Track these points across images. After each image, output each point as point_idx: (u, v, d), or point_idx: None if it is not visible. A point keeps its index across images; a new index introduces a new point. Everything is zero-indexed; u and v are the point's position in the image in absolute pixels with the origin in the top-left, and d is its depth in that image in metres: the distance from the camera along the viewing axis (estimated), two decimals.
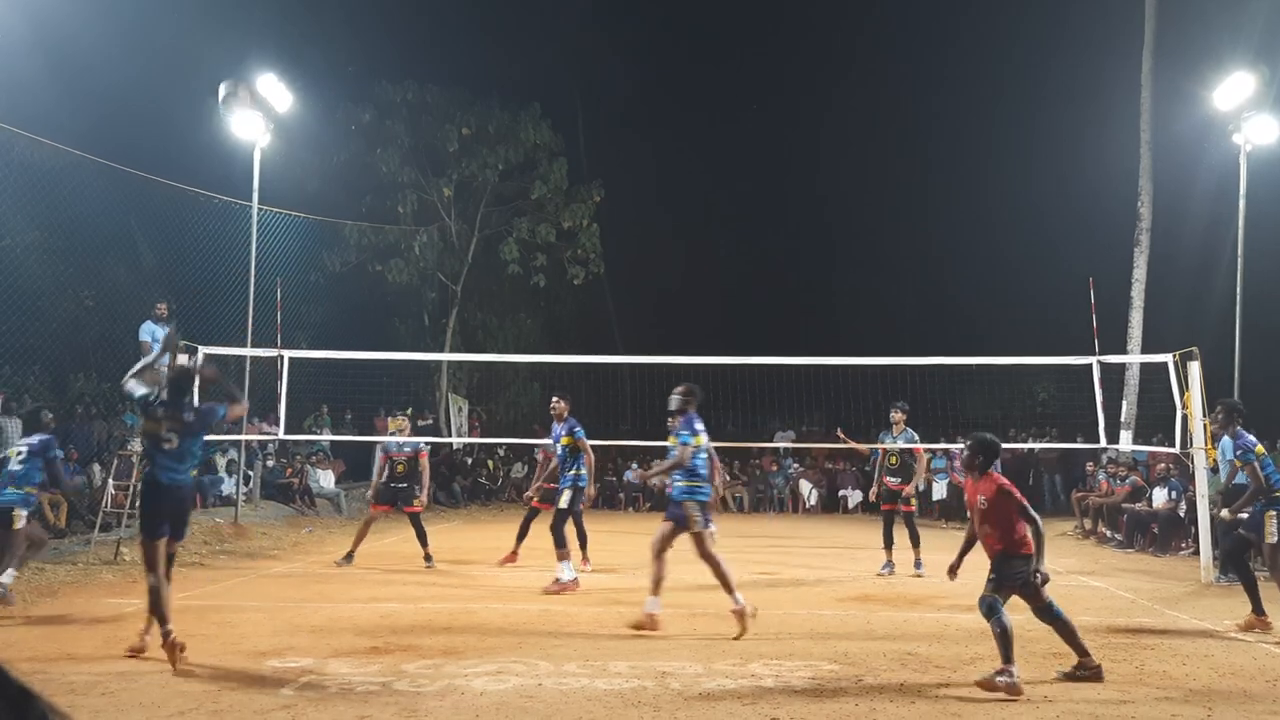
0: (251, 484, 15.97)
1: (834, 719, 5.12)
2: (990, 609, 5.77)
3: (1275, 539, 7.96)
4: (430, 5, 25.21)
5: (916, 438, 11.49)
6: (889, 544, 11.24)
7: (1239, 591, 9.96)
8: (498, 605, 8.58)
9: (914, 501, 11.56)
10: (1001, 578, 5.89)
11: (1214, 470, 10.29)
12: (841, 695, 5.57)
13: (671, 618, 7.98)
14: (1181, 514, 13.24)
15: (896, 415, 11.46)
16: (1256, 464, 8.10)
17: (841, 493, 21.95)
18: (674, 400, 7.89)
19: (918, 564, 11.02)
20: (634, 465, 22.86)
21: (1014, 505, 5.96)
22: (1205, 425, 10.72)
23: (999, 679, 5.57)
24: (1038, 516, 5.95)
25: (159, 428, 6.47)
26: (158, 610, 6.13)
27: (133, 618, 7.79)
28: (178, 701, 5.28)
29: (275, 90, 15.15)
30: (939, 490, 19.00)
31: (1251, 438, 8.30)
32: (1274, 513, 7.98)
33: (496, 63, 25.72)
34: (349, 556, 11.20)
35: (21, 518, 8.63)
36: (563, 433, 10.12)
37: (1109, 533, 14.97)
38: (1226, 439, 8.56)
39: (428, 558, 11.20)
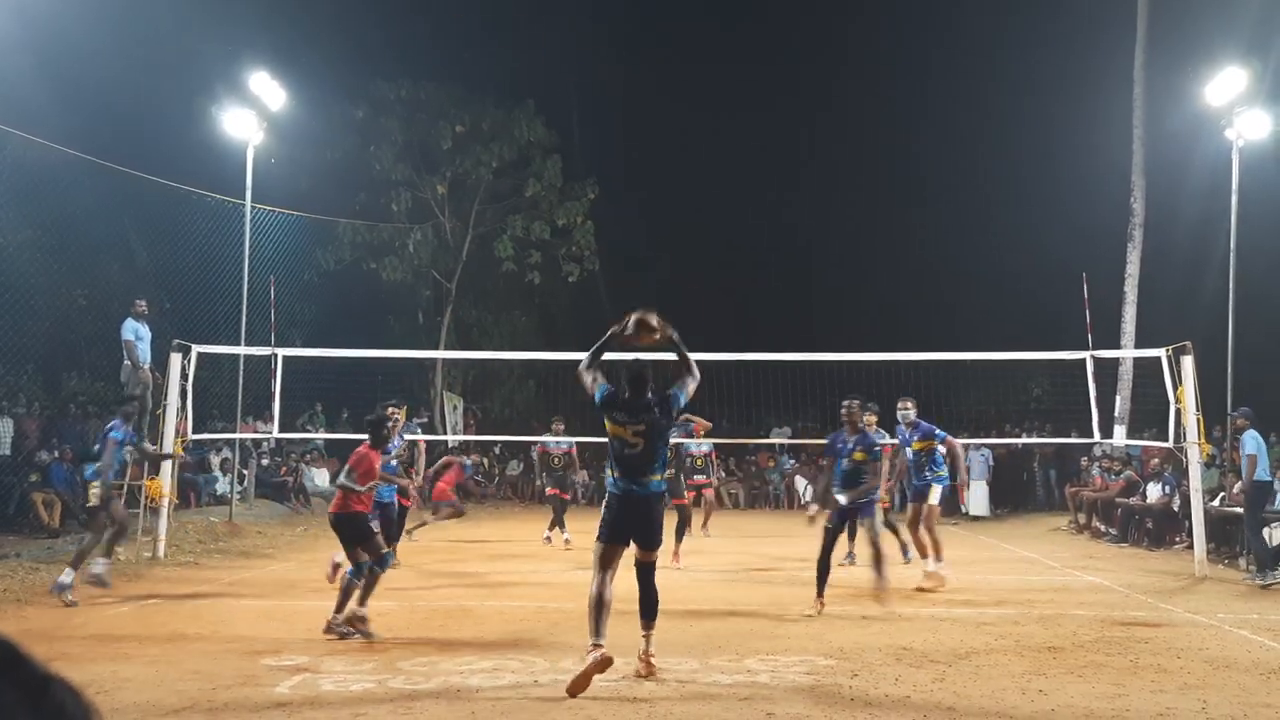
0: (246, 482, 15.93)
1: (830, 715, 5.12)
2: None
3: None
4: (425, 1, 25.16)
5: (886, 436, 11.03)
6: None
7: (1246, 586, 10.03)
8: (494, 602, 8.58)
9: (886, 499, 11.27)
10: None
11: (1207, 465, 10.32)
12: (837, 691, 5.57)
13: (666, 615, 7.98)
14: (1175, 508, 13.28)
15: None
16: None
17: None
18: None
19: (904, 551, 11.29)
20: None
21: None
22: (1199, 420, 10.74)
23: None
24: None
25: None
26: None
27: (128, 616, 7.79)
28: (173, 700, 5.27)
29: (268, 87, 15.10)
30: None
31: None
32: None
33: (491, 60, 25.62)
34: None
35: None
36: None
37: (1103, 527, 15.00)
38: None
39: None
